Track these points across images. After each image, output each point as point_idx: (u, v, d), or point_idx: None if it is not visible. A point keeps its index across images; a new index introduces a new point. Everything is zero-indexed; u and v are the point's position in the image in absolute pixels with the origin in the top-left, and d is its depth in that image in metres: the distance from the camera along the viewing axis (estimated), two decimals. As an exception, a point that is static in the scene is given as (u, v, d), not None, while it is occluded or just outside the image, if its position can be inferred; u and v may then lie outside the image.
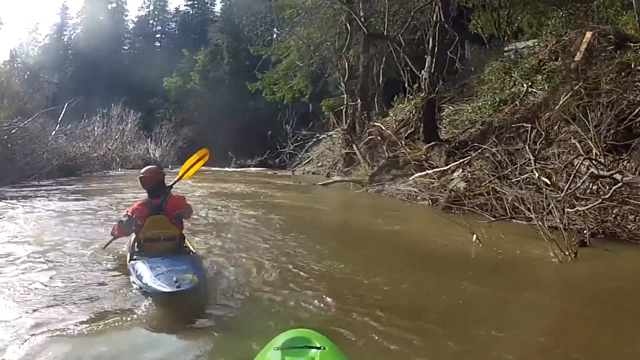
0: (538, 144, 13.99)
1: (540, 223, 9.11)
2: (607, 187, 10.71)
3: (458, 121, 20.85)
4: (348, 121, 25.66)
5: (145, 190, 6.58)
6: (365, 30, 19.09)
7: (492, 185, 13.25)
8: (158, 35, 79.32)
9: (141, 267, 5.62)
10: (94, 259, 7.17)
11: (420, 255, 9.15)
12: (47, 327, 4.70)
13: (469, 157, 16.32)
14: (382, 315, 5.35)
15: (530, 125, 15.23)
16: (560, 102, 15.29)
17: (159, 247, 6.10)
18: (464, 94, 23.61)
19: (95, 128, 35.26)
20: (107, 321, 4.91)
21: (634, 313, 5.89)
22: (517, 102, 17.68)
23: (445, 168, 16.65)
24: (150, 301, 5.31)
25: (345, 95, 25.53)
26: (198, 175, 8.78)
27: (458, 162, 16.42)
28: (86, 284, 6.06)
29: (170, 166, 38.60)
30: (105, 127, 37.18)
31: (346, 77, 25.17)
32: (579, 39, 17.29)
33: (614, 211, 10.29)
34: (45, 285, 5.95)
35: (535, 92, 17.64)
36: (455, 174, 16.17)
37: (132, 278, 5.75)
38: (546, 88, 17.19)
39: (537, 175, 12.19)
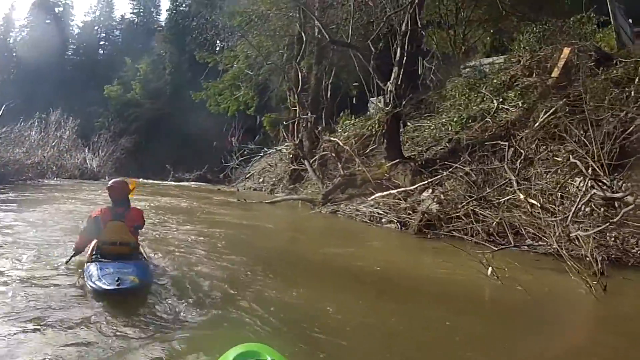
0: (518, 163, 12.75)
1: (564, 252, 7.90)
2: (604, 209, 9.83)
3: (419, 138, 18.74)
4: (300, 135, 23.19)
5: (111, 199, 6.78)
6: (328, 36, 16.62)
7: (471, 208, 11.80)
8: (102, 42, 74.77)
9: (92, 268, 5.92)
10: (50, 266, 6.94)
11: (415, 290, 7.57)
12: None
13: (439, 176, 14.21)
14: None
15: (507, 144, 13.74)
16: (540, 120, 13.84)
17: (115, 250, 6.34)
18: (422, 110, 21.67)
19: (33, 133, 31.65)
20: (54, 322, 4.93)
21: None
22: (488, 119, 15.95)
23: (412, 188, 14.36)
24: (100, 303, 5.48)
25: (297, 108, 23.01)
26: (137, 188, 7.90)
27: (426, 182, 14.21)
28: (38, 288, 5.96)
29: (107, 177, 35.43)
30: (43, 133, 33.48)
31: (299, 88, 22.69)
32: (556, 55, 15.96)
33: (612, 235, 9.30)
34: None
35: (507, 109, 15.97)
36: (424, 195, 13.94)
37: (86, 278, 5.92)
38: (520, 105, 15.64)
39: (522, 196, 10.99)
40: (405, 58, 15.76)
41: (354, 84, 31.25)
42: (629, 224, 9.11)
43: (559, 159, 11.94)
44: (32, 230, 9.73)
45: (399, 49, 16.09)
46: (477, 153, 14.36)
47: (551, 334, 5.58)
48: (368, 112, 30.35)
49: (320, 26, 16.62)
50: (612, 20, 17.06)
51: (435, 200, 13.05)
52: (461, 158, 14.31)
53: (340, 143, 19.50)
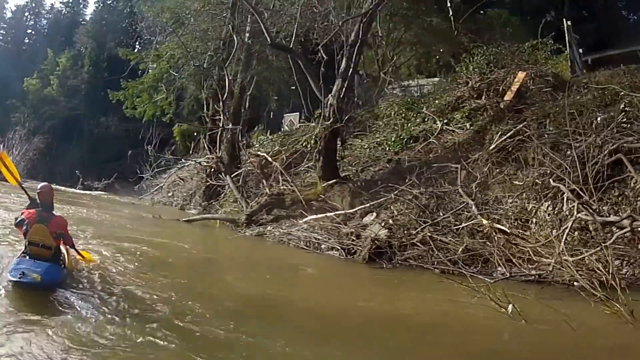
0: (474, 186, 11.62)
1: (588, 282, 7.30)
2: (578, 233, 9.16)
3: (350, 157, 16.57)
4: (223, 148, 20.53)
5: (39, 202, 6.97)
6: (269, 38, 14.18)
7: (428, 234, 10.42)
8: (29, 31, 66.91)
9: (14, 262, 6.46)
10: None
11: (421, 341, 5.94)
12: None
13: (382, 199, 12.18)
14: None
15: (458, 166, 12.37)
16: (495, 143, 12.65)
17: (38, 251, 6.53)
18: (351, 129, 19.68)
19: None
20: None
21: None
22: (433, 140, 14.40)
23: (352, 211, 12.25)
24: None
25: (220, 118, 20.33)
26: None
27: (368, 205, 12.13)
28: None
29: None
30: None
31: (224, 95, 20.04)
32: (508, 78, 14.91)
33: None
34: None
35: (453, 130, 14.58)
36: (366, 219, 11.82)
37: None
38: (468, 126, 14.34)
39: (485, 222, 10.18)
40: (351, 70, 13.67)
41: (274, 98, 29.22)
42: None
43: (519, 183, 11.11)
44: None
45: (344, 60, 13.98)
46: (424, 175, 12.68)
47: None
48: (282, 128, 27.96)
49: (263, 27, 14.20)
50: (568, 48, 16.10)
51: (383, 225, 10.99)
52: (406, 180, 12.47)
53: (269, 159, 17.09)
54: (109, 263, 8.50)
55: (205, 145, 21.78)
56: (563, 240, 8.65)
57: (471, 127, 14.11)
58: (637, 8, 32.54)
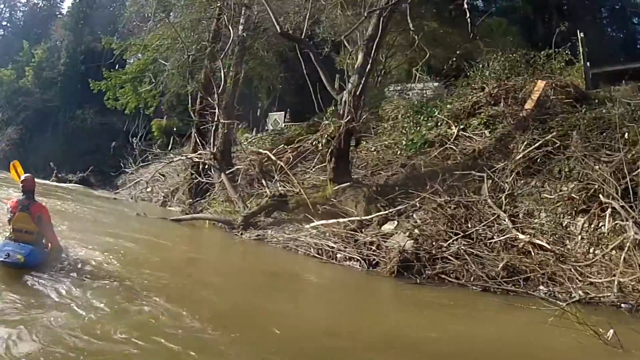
0: (503, 197, 10.62)
1: None
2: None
3: (355, 159, 15.02)
4: (217, 144, 18.83)
5: (22, 191, 7.14)
6: (278, 27, 12.68)
7: (462, 247, 9.29)
8: (4, 23, 63.06)
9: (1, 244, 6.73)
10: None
11: None
12: None
13: (402, 206, 10.86)
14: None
15: (484, 175, 11.23)
16: (522, 153, 11.44)
17: (22, 236, 6.82)
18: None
19: None
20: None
21: None
22: (451, 146, 13.06)
23: (369, 218, 10.79)
24: None
25: (215, 112, 18.61)
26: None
27: (387, 212, 10.76)
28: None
29: None
30: None
31: (221, 88, 18.34)
32: (528, 86, 13.80)
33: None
34: None
35: (470, 137, 13.28)
36: (386, 227, 10.42)
37: None
38: (487, 134, 13.10)
39: (522, 236, 9.33)
40: (369, 66, 12.25)
41: (260, 95, 27.66)
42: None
43: (550, 196, 10.16)
44: None
45: (361, 55, 12.54)
46: (446, 182, 11.33)
47: None
48: (266, 127, 26.30)
49: (272, 15, 12.72)
50: (582, 61, 15.06)
51: (408, 235, 9.62)
52: (426, 187, 11.19)
53: (273, 157, 15.41)
54: (92, 257, 7.82)
55: (197, 140, 20.06)
56: (622, 259, 7.92)
57: (491, 135, 12.89)
58: (621, 26, 32.45)
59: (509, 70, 14.88)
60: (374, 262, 9.46)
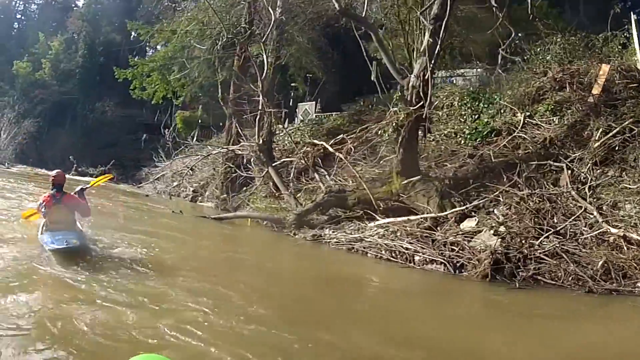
0: (587, 189, 9.84)
1: None
2: None
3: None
4: (262, 135, 17.90)
5: (53, 185, 7.87)
6: (338, 5, 11.75)
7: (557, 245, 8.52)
8: (19, 17, 61.68)
9: (46, 237, 7.33)
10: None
11: None
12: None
13: (479, 200, 9.97)
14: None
15: (564, 165, 10.44)
16: (600, 140, 10.62)
17: (60, 227, 7.56)
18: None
19: None
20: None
21: None
22: (521, 134, 12.11)
23: (445, 214, 9.85)
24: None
25: (260, 100, 17.63)
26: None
27: (464, 208, 9.86)
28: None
29: (7, 163, 29.80)
30: None
31: (263, 74, 17.33)
32: (592, 70, 12.73)
33: None
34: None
35: (537, 124, 12.34)
36: (466, 224, 9.55)
37: (43, 244, 7.33)
38: (555, 121, 12.13)
39: (615, 230, 8.52)
40: (438, 46, 11.24)
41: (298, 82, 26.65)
42: None
43: (632, 186, 9.50)
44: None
45: (428, 35, 11.57)
46: (523, 174, 10.45)
47: None
48: (295, 119, 25.47)
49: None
50: (636, 44, 14.06)
51: (493, 233, 8.76)
52: (502, 179, 10.43)
53: (331, 149, 14.42)
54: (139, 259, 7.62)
55: (237, 131, 19.17)
56: None
57: (560, 122, 11.96)
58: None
59: (569, 54, 13.88)
60: (458, 264, 8.67)
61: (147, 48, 39.64)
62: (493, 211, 9.67)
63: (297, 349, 4.52)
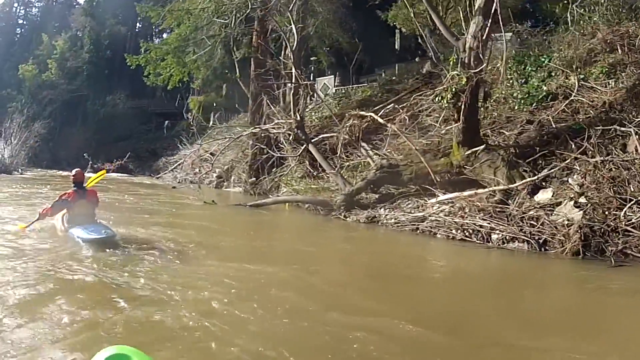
0: None
1: None
2: None
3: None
4: (298, 110, 17.20)
5: (74, 183, 8.59)
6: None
7: None
8: (20, 21, 62.02)
9: (78, 231, 7.80)
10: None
11: None
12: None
13: (549, 170, 9.34)
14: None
15: (632, 129, 9.61)
16: None
17: (84, 220, 8.14)
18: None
19: None
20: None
21: None
22: (579, 98, 11.40)
23: (515, 186, 9.16)
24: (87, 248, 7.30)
25: (292, 71, 16.86)
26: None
27: (535, 178, 9.19)
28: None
29: (20, 170, 28.74)
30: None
31: (294, 44, 16.58)
32: None
33: None
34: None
35: (592, 87, 11.59)
36: (540, 197, 8.97)
37: (75, 238, 7.79)
38: (612, 84, 11.43)
39: None
40: (494, 4, 10.48)
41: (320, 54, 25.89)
42: None
43: None
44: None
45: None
46: (591, 140, 9.76)
47: None
48: (315, 95, 25.01)
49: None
50: None
51: (575, 205, 8.21)
52: (569, 147, 9.81)
53: (380, 120, 13.50)
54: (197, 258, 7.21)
55: (269, 106, 18.47)
56: None
57: (617, 84, 11.21)
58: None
59: (615, 15, 13.19)
60: (540, 241, 8.07)
61: (153, 37, 39.25)
62: (567, 181, 9.07)
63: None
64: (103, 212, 10.46)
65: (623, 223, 7.79)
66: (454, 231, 9.01)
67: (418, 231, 9.61)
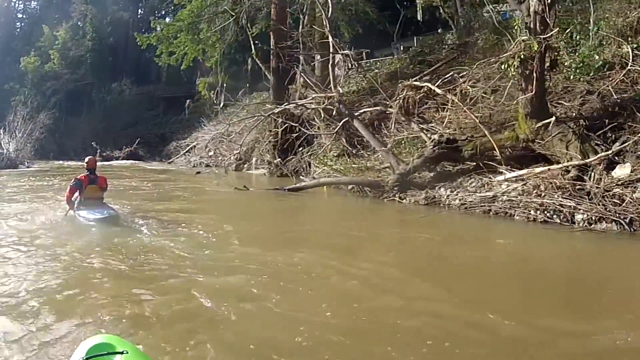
0: None
1: None
2: None
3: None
4: (339, 82, 16.49)
5: (86, 169, 9.54)
6: None
7: None
8: (20, 15, 61.08)
9: (86, 213, 8.86)
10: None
11: None
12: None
13: (622, 143, 8.94)
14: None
15: None
16: None
17: (94, 202, 9.23)
18: (473, 55, 15.94)
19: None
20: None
21: None
22: (633, 67, 10.91)
23: (591, 161, 8.74)
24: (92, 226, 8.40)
25: (330, 41, 16.11)
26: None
27: (610, 153, 8.74)
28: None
29: (26, 163, 28.32)
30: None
31: (329, 13, 15.84)
32: None
33: None
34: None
35: None
36: (619, 172, 8.61)
37: (81, 218, 8.88)
38: None
39: None
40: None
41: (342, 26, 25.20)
42: None
43: None
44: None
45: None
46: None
47: None
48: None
49: None
50: None
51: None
52: (637, 117, 9.42)
53: (438, 90, 12.61)
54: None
55: (305, 79, 17.85)
56: None
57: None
58: None
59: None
60: (626, 220, 7.54)
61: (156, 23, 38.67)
62: None
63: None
64: (128, 200, 11.73)
65: None
66: (532, 212, 8.49)
67: (491, 213, 9.08)
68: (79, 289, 5.18)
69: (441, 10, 21.17)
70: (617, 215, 7.67)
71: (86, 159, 9.78)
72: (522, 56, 9.57)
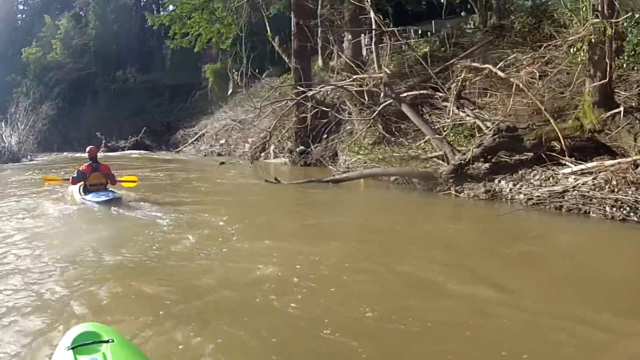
0: None
1: None
2: None
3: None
4: (385, 63, 15.91)
5: (89, 157, 10.82)
6: None
7: None
8: (21, 7, 59.67)
9: (90, 196, 10.19)
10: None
11: None
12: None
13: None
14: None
15: None
16: None
17: (98, 188, 10.44)
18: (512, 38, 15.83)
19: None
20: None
21: None
22: None
23: None
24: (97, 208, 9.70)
25: (373, 17, 14.92)
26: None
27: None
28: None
29: (29, 156, 27.89)
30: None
31: None
32: None
33: None
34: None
35: None
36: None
37: (87, 203, 10.17)
38: None
39: None
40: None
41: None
42: None
43: None
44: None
45: None
46: None
47: None
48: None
49: None
50: None
51: None
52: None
53: (502, 74, 12.11)
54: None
55: (341, 59, 17.31)
56: None
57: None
58: None
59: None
60: None
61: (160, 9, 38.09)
62: None
63: None
64: (150, 193, 11.76)
65: None
66: (608, 209, 8.13)
67: (563, 209, 8.71)
68: (91, 280, 5.44)
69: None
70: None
71: (87, 149, 10.99)
72: (592, 39, 9.06)
